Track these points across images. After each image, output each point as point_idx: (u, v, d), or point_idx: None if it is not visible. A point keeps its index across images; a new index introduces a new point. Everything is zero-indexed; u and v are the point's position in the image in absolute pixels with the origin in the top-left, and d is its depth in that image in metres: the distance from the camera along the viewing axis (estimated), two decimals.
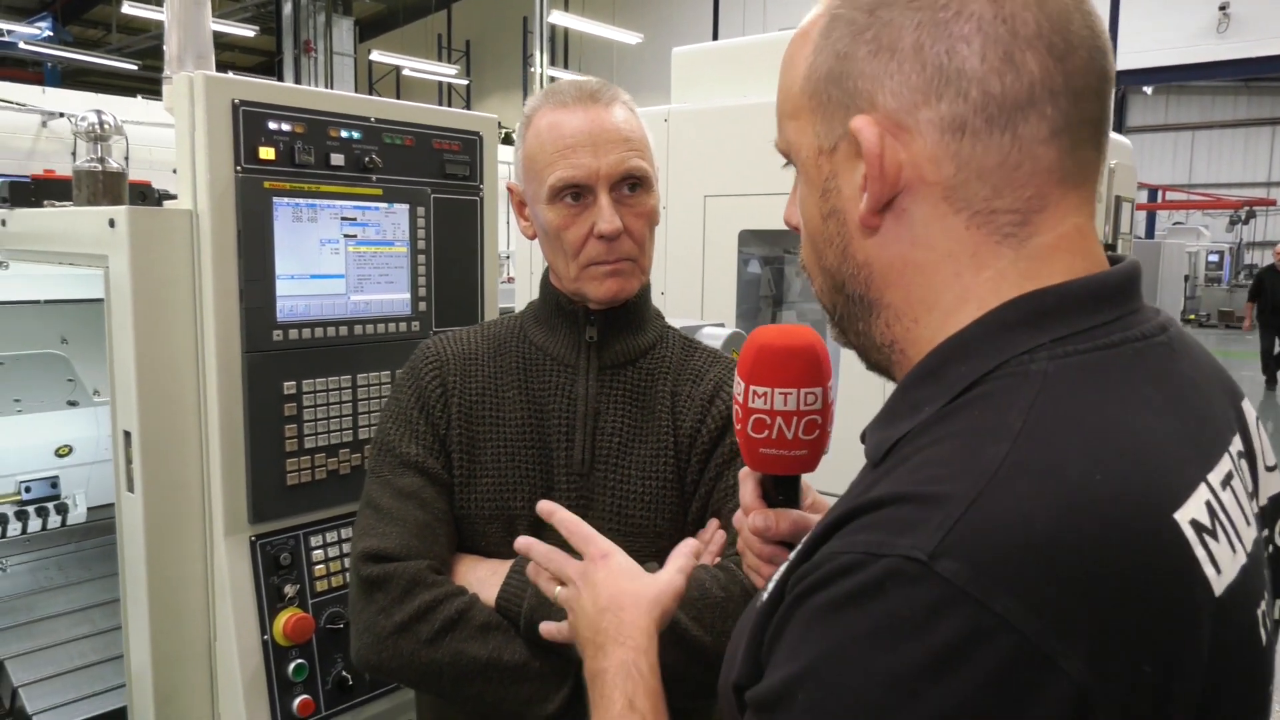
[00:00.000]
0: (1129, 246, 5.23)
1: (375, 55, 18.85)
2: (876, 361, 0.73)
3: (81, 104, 8.34)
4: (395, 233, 1.66)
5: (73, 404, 2.13)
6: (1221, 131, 21.75)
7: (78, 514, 2.18)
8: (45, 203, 1.69)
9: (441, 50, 22.24)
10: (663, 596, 0.99)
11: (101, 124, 1.59)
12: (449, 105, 22.51)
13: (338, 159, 1.56)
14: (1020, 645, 0.49)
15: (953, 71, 0.62)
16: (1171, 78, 16.71)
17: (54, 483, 2.12)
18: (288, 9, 17.57)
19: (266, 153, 1.47)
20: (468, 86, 22.54)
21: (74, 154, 8.24)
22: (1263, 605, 0.62)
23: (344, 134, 1.57)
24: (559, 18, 14.95)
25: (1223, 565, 0.56)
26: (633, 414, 1.28)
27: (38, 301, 2.29)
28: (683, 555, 1.05)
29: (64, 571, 2.23)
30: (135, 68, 18.91)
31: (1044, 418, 0.57)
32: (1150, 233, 20.44)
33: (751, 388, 0.84)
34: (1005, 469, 0.54)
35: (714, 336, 2.06)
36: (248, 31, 16.27)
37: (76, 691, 2.00)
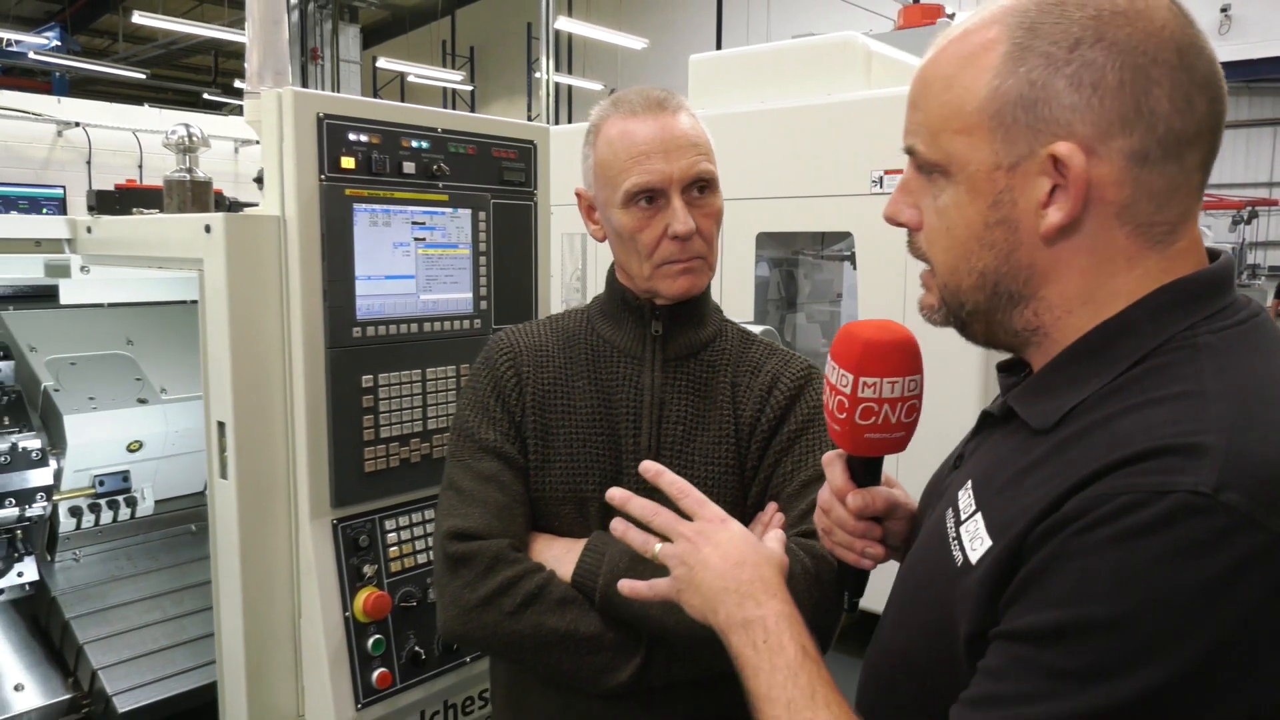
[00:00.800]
0: None
1: (381, 62, 18.98)
2: (999, 343, 0.85)
3: (97, 114, 8.45)
4: (459, 236, 1.77)
5: (142, 401, 2.23)
6: (1225, 132, 21.74)
7: (146, 507, 2.29)
8: (134, 210, 1.80)
9: (446, 56, 22.37)
10: (783, 564, 1.05)
11: (190, 137, 1.70)
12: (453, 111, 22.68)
13: (409, 167, 1.67)
14: None
15: (1147, 110, 0.73)
16: None
17: (125, 477, 2.23)
18: (295, 17, 17.72)
19: (347, 162, 1.58)
20: (472, 93, 22.67)
21: (89, 163, 8.38)
22: None
23: (414, 144, 1.68)
24: (564, 23, 15.06)
25: None
26: (695, 403, 1.38)
27: (102, 305, 2.41)
28: (775, 536, 1.14)
29: (133, 561, 2.34)
30: (144, 76, 19.07)
31: (1232, 381, 0.70)
32: None
33: (861, 379, 0.94)
34: (1236, 423, 0.66)
35: (778, 343, 2.18)
36: None
37: (152, 674, 2.11)
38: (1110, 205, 0.75)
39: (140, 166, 8.54)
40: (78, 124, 8.53)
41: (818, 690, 0.87)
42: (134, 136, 8.86)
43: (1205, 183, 0.78)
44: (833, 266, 5.02)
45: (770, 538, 1.12)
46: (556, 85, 15.31)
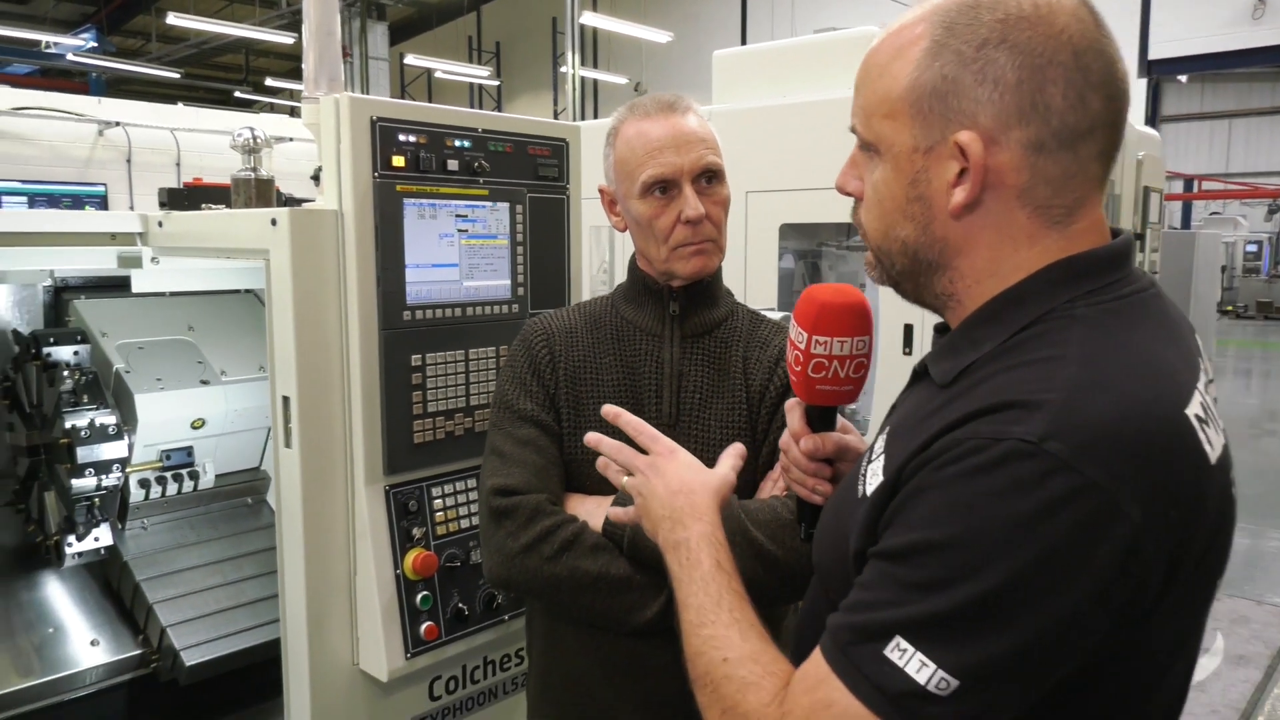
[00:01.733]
0: (1157, 236, 5.39)
1: (409, 59, 19.21)
2: (925, 303, 0.98)
3: (136, 114, 8.70)
4: (498, 227, 1.93)
5: (204, 383, 2.41)
6: (1259, 119, 21.52)
7: (207, 480, 2.47)
8: (203, 206, 1.97)
9: (472, 52, 22.59)
10: (722, 486, 1.21)
11: (255, 139, 1.87)
12: (480, 106, 22.83)
13: (453, 164, 1.82)
14: (1101, 499, 0.73)
15: (1042, 104, 0.84)
16: (1206, 66, 16.64)
17: (189, 452, 2.41)
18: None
19: (398, 161, 1.74)
20: (498, 88, 22.87)
21: (129, 161, 8.61)
22: (1232, 472, 0.88)
23: (457, 143, 1.84)
24: (589, 18, 15.22)
25: (1214, 444, 0.83)
26: (711, 375, 1.53)
27: (165, 294, 2.59)
28: (731, 455, 1.28)
29: (195, 530, 2.52)
30: (178, 76, 19.42)
31: (1093, 349, 0.82)
32: (1186, 223, 20.30)
33: (814, 337, 1.08)
34: (1079, 384, 0.78)
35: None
36: (286, 38, 16.65)
37: (215, 632, 2.30)
38: (1010, 189, 0.86)
39: (178, 164, 8.78)
40: (118, 123, 8.79)
41: (723, 597, 1.01)
42: (171, 135, 9.10)
43: (1106, 172, 0.89)
44: (856, 258, 5.14)
45: (723, 463, 1.25)
46: (582, 80, 15.49)
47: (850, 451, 1.18)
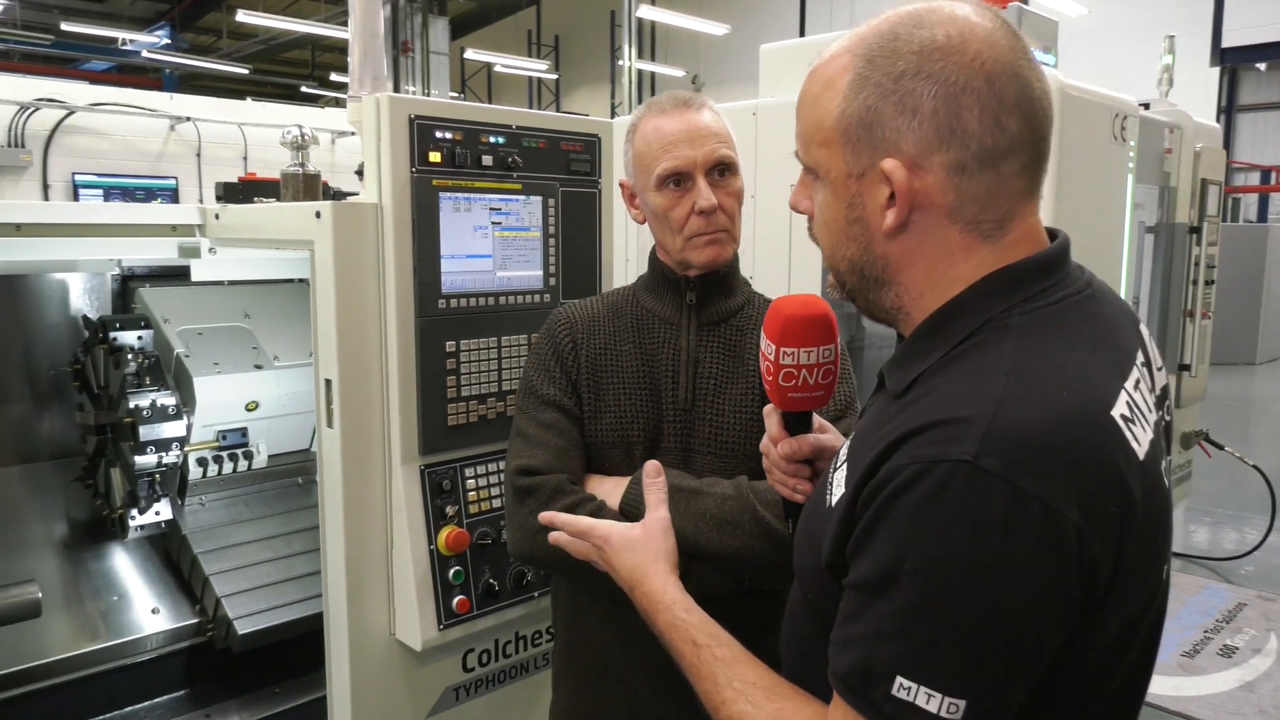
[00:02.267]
0: (1215, 230, 5.27)
1: (469, 53, 19.46)
2: (881, 319, 1.02)
3: (205, 109, 9.00)
4: (531, 220, 2.01)
5: (258, 367, 2.54)
6: None
7: (260, 460, 2.60)
8: (256, 199, 2.08)
9: (531, 46, 22.78)
10: (660, 545, 1.29)
11: (302, 136, 1.97)
12: (539, 100, 23.02)
13: (487, 160, 1.91)
14: (1042, 505, 0.78)
15: (959, 130, 0.88)
16: None
17: (244, 433, 2.55)
18: (387, 11, 18.30)
19: (434, 156, 1.83)
20: (557, 81, 23.04)
21: (199, 155, 8.92)
22: (1164, 463, 0.92)
23: (492, 139, 1.92)
24: (646, 11, 15.25)
25: (1140, 440, 0.87)
26: (726, 362, 1.59)
27: (223, 283, 2.73)
28: (653, 490, 1.38)
29: (249, 508, 2.66)
30: (246, 71, 19.95)
31: (1023, 358, 0.86)
32: (1263, 216, 19.61)
33: (781, 349, 1.13)
34: (1007, 395, 0.83)
35: None
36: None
37: (266, 603, 2.43)
38: (939, 208, 0.91)
39: (245, 158, 9.07)
40: (188, 119, 9.10)
41: (718, 674, 1.05)
42: (239, 130, 9.41)
43: (1033, 184, 0.92)
44: None
45: (650, 506, 1.38)
46: (639, 72, 15.52)
47: (827, 450, 1.22)
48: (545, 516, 1.42)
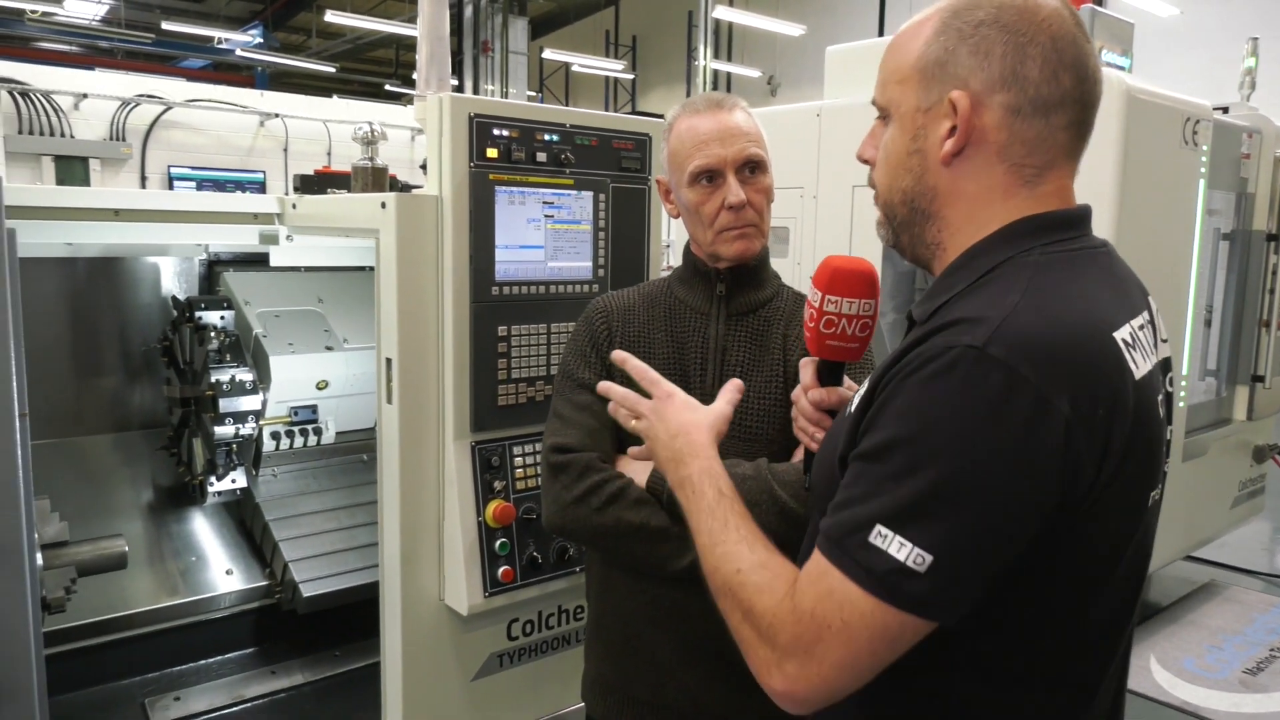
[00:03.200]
0: None
1: (547, 53, 19.76)
2: (919, 256, 1.11)
3: (293, 106, 9.37)
4: (582, 214, 2.12)
5: (329, 349, 2.71)
6: None
7: (328, 436, 2.77)
8: (329, 190, 2.24)
9: (609, 46, 23.00)
10: (717, 421, 1.33)
11: (372, 132, 2.12)
12: (615, 99, 23.21)
13: (541, 156, 2.03)
14: (1035, 393, 0.87)
15: (1021, 75, 1.00)
16: None
17: (314, 410, 2.72)
18: (469, 12, 18.69)
19: (491, 152, 1.95)
20: (633, 81, 23.21)
21: (285, 150, 9.28)
22: (1159, 395, 1.01)
23: (546, 137, 2.04)
24: (722, 12, 15.30)
25: (1139, 364, 0.97)
26: (752, 350, 1.68)
27: (298, 269, 2.91)
28: (729, 390, 1.40)
29: (316, 480, 2.84)
30: (333, 70, 20.60)
31: (1038, 283, 0.96)
32: None
33: (827, 296, 1.23)
34: (1019, 306, 0.92)
35: None
36: None
37: (330, 570, 2.60)
38: (991, 145, 1.01)
39: (329, 153, 9.39)
40: (277, 115, 9.48)
41: (729, 519, 1.13)
42: (324, 126, 9.76)
43: (1076, 143, 1.03)
44: None
45: (720, 399, 1.37)
46: (715, 73, 15.56)
47: None
48: (617, 355, 1.48)
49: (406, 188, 2.24)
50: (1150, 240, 3.81)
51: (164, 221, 2.24)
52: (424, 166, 2.05)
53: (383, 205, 1.93)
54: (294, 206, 2.32)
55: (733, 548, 1.09)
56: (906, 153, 1.07)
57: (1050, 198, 1.03)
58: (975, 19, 1.01)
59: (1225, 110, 4.77)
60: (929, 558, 0.87)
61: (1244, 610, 4.98)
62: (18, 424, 1.52)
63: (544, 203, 2.05)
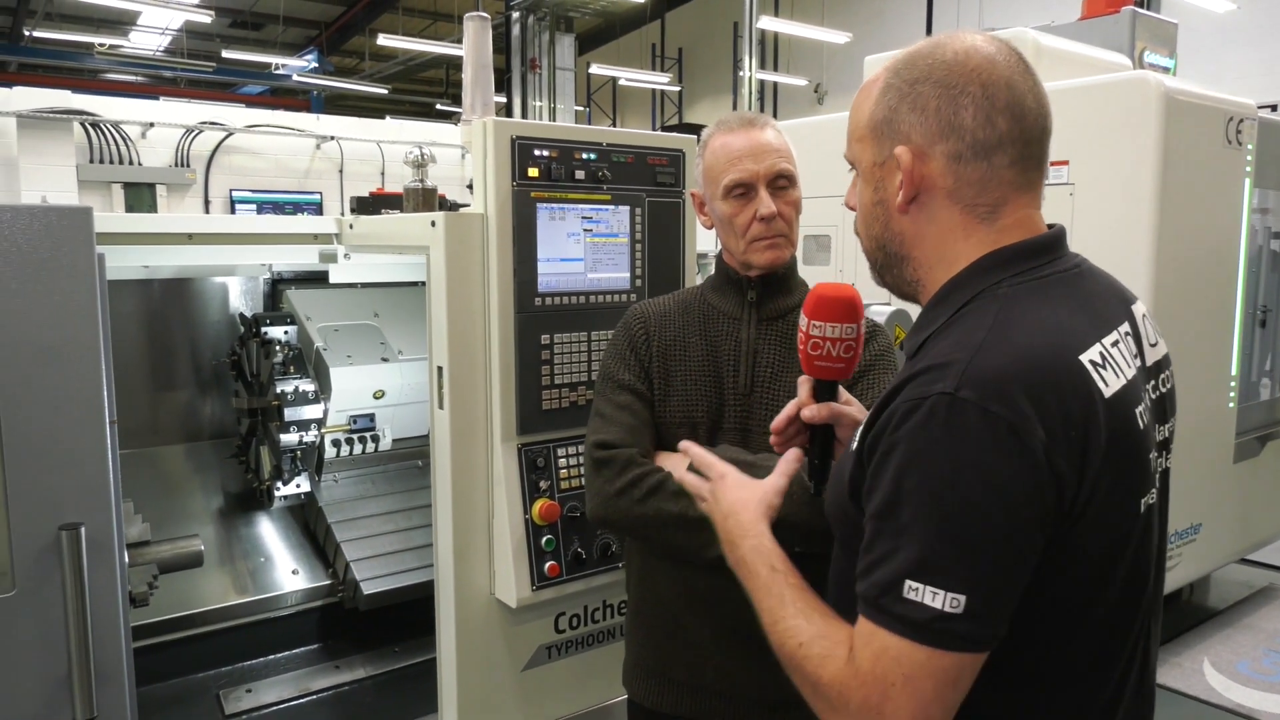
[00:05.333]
0: None
1: (594, 69, 20.01)
2: (904, 292, 1.20)
3: (347, 128, 9.66)
4: (619, 227, 2.23)
5: (385, 360, 2.87)
6: None
7: (385, 443, 2.92)
8: (383, 211, 2.39)
9: (655, 59, 23.19)
10: (767, 496, 1.37)
11: (422, 155, 2.27)
12: (662, 111, 23.37)
13: (580, 174, 2.15)
14: (1010, 426, 0.95)
15: (957, 125, 1.08)
16: None
17: (371, 418, 2.87)
18: (516, 30, 19.05)
19: (533, 172, 2.08)
20: (679, 93, 23.37)
21: (340, 171, 9.56)
22: (1140, 408, 1.07)
23: (584, 156, 2.16)
24: (767, 22, 15.37)
25: (1110, 382, 1.03)
26: (782, 353, 1.78)
27: (355, 285, 3.07)
28: (787, 462, 1.43)
29: (374, 485, 2.99)
30: (386, 92, 21.09)
31: (1005, 317, 1.04)
32: None
33: (812, 321, 1.33)
34: (985, 343, 1.00)
35: (879, 313, 2.52)
36: None
37: (388, 569, 2.74)
38: (940, 190, 1.11)
39: (383, 174, 9.65)
40: (332, 138, 9.77)
41: (784, 594, 1.17)
42: (378, 147, 10.04)
43: (1023, 179, 1.10)
44: None
45: (776, 471, 1.42)
46: (761, 83, 15.61)
47: (845, 418, 1.40)
48: (684, 444, 1.56)
49: (455, 206, 2.38)
50: (1194, 241, 3.81)
51: (233, 244, 2.41)
52: (470, 186, 2.18)
53: (433, 224, 2.07)
54: (350, 227, 2.47)
55: (791, 622, 1.13)
56: (872, 203, 1.18)
57: (1012, 230, 1.10)
58: (912, 76, 1.11)
59: (1274, 108, 4.74)
60: (962, 598, 0.94)
61: None
62: (109, 430, 1.68)
63: (583, 217, 2.17)
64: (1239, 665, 4.13)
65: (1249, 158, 4.15)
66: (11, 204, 1.58)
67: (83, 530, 1.61)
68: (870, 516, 1.04)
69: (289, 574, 2.82)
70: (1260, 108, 4.23)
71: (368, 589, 2.67)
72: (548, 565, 2.13)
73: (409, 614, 2.80)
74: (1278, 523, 4.74)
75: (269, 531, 2.97)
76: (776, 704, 1.73)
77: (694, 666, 1.77)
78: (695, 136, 2.39)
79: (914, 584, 0.96)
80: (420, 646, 2.84)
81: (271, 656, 2.78)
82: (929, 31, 18.12)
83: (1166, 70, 4.70)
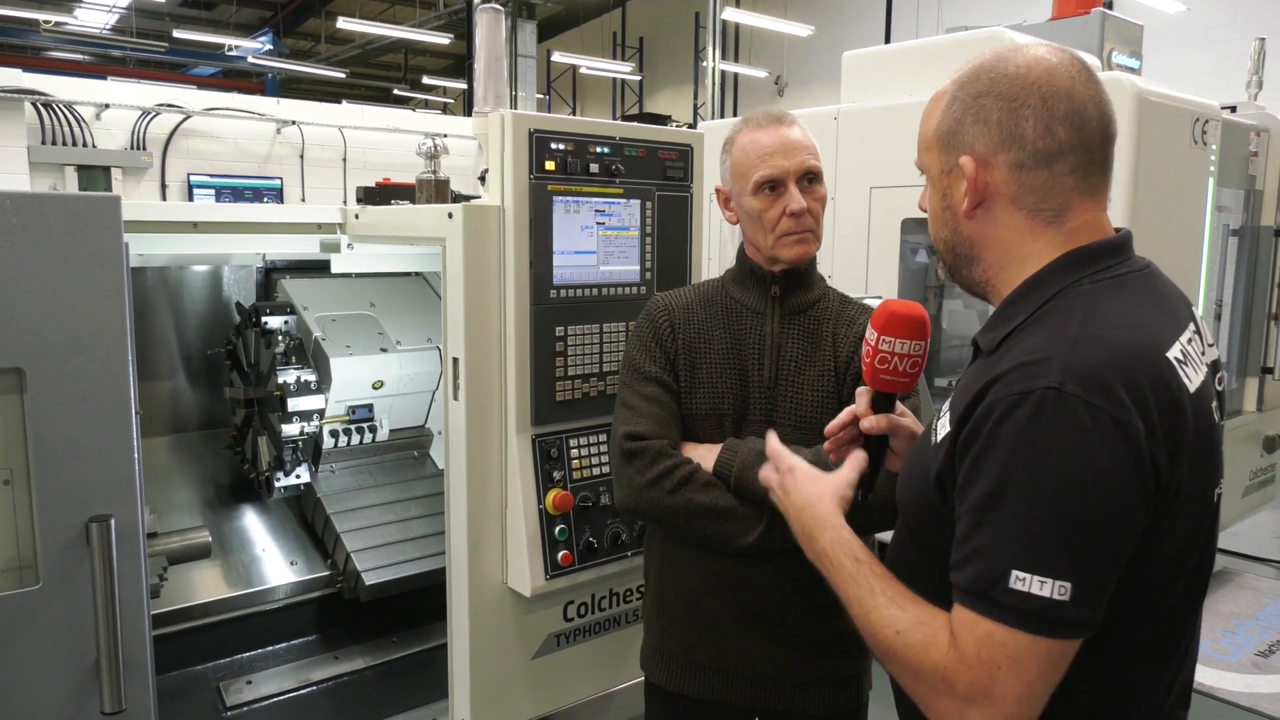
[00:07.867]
0: None
1: (555, 56, 19.90)
2: (974, 291, 1.26)
3: (308, 113, 9.50)
4: (630, 221, 2.26)
5: (383, 350, 2.86)
6: None
7: (383, 434, 2.92)
8: (392, 201, 2.38)
9: (616, 48, 23.12)
10: (840, 488, 1.38)
11: (435, 146, 2.26)
12: (622, 101, 23.33)
13: (594, 168, 2.17)
14: (1114, 418, 1.00)
15: (1018, 135, 1.15)
16: None
17: (370, 409, 2.86)
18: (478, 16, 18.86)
19: (549, 165, 2.09)
20: (640, 82, 23.33)
21: (302, 156, 9.39)
22: (1214, 403, 1.14)
23: (598, 150, 2.18)
24: (730, 13, 15.42)
25: (1192, 378, 1.10)
26: (805, 347, 1.82)
27: (349, 275, 3.05)
28: (856, 458, 1.43)
29: (372, 476, 2.98)
30: (344, 75, 20.77)
31: (1092, 313, 1.10)
32: None
33: (882, 336, 1.37)
34: (1078, 339, 1.06)
35: (873, 306, 2.58)
36: (442, 39, 17.60)
37: (388, 559, 2.74)
38: (1005, 197, 1.17)
39: (344, 159, 9.51)
40: (293, 122, 9.60)
41: (872, 584, 1.19)
42: (339, 132, 9.89)
43: (1086, 184, 1.16)
44: None
45: (846, 465, 1.42)
46: (722, 74, 15.67)
47: (902, 429, 1.44)
48: (771, 442, 1.52)
49: (462, 198, 2.39)
50: (1161, 237, 3.94)
51: (237, 233, 2.39)
52: (482, 178, 2.19)
53: (449, 216, 2.07)
54: (357, 217, 2.46)
55: (885, 612, 1.15)
56: (941, 209, 1.25)
57: (1080, 232, 1.16)
58: (976, 90, 1.17)
59: (1233, 109, 4.89)
60: (1069, 585, 0.99)
61: (1256, 596, 5.10)
62: (135, 421, 1.67)
63: (596, 210, 2.19)
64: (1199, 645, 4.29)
65: (1213, 157, 4.30)
66: (41, 192, 1.57)
67: (113, 522, 1.60)
68: (968, 509, 1.06)
69: (287, 565, 2.81)
70: (1220, 109, 4.38)
71: (369, 579, 2.67)
72: (561, 554, 2.16)
73: (406, 604, 2.81)
74: (1232, 509, 4.93)
75: (264, 523, 2.95)
76: (798, 685, 1.78)
77: (717, 650, 1.81)
78: (669, 120, 2.42)
79: (1020, 573, 1.00)
80: (418, 636, 2.86)
81: (270, 648, 2.77)
82: (888, 26, 18.31)
83: (1133, 71, 4.84)
